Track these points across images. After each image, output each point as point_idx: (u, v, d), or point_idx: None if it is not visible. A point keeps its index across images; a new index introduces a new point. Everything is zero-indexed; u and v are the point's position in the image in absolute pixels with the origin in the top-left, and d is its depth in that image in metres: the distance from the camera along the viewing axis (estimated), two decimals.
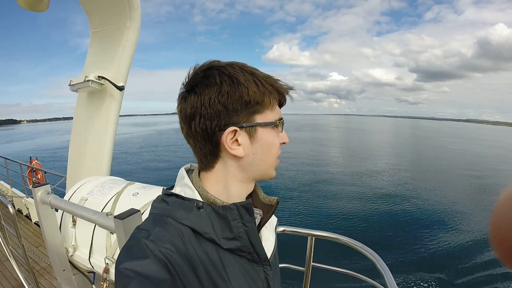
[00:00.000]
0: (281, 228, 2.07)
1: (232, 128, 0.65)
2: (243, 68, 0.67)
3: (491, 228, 0.24)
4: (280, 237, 1.99)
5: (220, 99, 0.63)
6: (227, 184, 0.70)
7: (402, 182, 19.88)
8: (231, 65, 0.66)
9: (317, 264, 2.11)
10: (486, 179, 22.10)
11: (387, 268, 1.69)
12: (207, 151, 0.68)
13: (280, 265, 2.13)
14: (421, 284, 8.24)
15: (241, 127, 0.66)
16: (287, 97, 0.75)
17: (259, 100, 0.66)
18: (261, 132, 0.68)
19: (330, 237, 2.00)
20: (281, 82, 0.71)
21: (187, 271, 0.57)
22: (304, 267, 2.13)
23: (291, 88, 0.73)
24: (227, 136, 0.65)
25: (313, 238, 2.05)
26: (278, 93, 0.70)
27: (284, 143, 0.75)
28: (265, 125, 0.68)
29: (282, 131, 0.74)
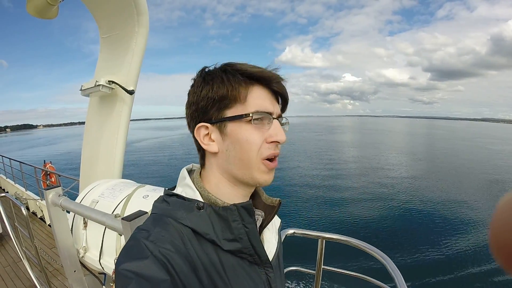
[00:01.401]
0: (291, 231, 2.06)
1: (200, 124, 0.68)
2: (221, 66, 0.68)
3: (490, 234, 0.24)
4: (290, 239, 1.99)
5: (192, 99, 0.69)
6: (217, 184, 0.71)
7: (416, 184, 19.54)
8: (214, 67, 0.69)
9: (328, 267, 2.09)
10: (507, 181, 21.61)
11: (399, 272, 1.66)
12: (197, 148, 0.73)
13: (290, 268, 2.13)
14: None
15: (212, 123, 0.67)
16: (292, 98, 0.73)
17: (223, 94, 0.65)
18: (231, 127, 0.66)
19: (341, 240, 1.97)
20: (260, 70, 0.67)
21: (187, 271, 0.57)
22: (314, 270, 2.11)
23: (274, 75, 0.69)
24: (199, 132, 0.69)
25: (324, 241, 2.03)
26: (250, 83, 0.67)
27: (277, 142, 0.69)
28: (232, 119, 0.66)
29: (268, 126, 0.68)
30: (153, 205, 0.71)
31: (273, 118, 0.69)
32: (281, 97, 0.72)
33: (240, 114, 0.65)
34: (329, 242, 2.03)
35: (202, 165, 0.74)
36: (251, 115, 0.65)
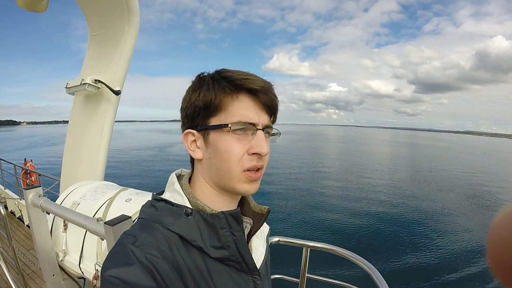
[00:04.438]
0: (276, 239, 2.05)
1: (187, 130, 0.70)
2: (212, 73, 0.68)
3: (489, 252, 0.23)
4: (274, 247, 1.98)
5: (183, 106, 0.70)
6: (204, 190, 0.71)
7: (401, 193, 19.83)
8: (207, 73, 0.69)
9: (312, 276, 2.08)
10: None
11: (384, 280, 1.67)
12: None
13: (274, 276, 2.12)
14: None
15: (197, 130, 0.69)
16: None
17: (208, 102, 0.64)
18: (213, 136, 0.66)
19: (326, 248, 1.97)
20: (247, 79, 0.64)
21: (173, 278, 0.56)
22: (298, 278, 2.10)
23: (262, 85, 0.66)
24: (187, 138, 0.70)
25: (308, 249, 2.03)
26: (233, 91, 0.64)
27: (258, 154, 0.66)
28: (214, 128, 0.65)
29: (251, 137, 0.66)
30: (141, 209, 0.70)
31: (258, 129, 0.66)
32: (269, 107, 0.70)
33: (220, 123, 0.65)
34: (313, 250, 2.03)
35: (192, 169, 0.75)
36: (230, 125, 0.64)
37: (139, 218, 0.68)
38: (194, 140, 0.69)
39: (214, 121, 0.65)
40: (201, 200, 0.68)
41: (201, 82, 0.67)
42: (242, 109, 0.65)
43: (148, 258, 0.54)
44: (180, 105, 0.71)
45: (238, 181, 0.67)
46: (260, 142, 0.66)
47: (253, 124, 0.66)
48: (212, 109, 0.65)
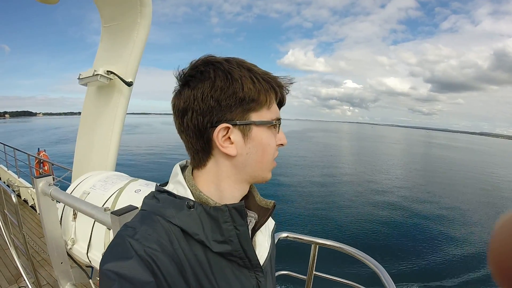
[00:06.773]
0: (284, 234, 2.04)
1: (224, 124, 0.62)
2: (240, 64, 0.64)
3: (491, 259, 0.23)
4: (282, 243, 1.96)
5: (213, 94, 0.61)
6: (219, 185, 0.67)
7: (413, 194, 19.67)
8: (228, 60, 0.64)
9: (320, 273, 2.07)
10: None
11: (392, 281, 1.64)
12: (199, 147, 0.65)
13: (281, 272, 2.10)
14: None
15: (234, 125, 0.63)
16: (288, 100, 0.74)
17: (254, 97, 0.63)
18: (256, 131, 0.65)
19: (334, 246, 1.95)
20: (280, 79, 0.68)
21: (173, 272, 0.54)
22: (306, 275, 2.08)
23: (291, 83, 0.71)
24: (218, 133, 0.62)
25: (317, 246, 2.01)
26: (276, 90, 0.67)
27: (282, 144, 0.72)
28: (260, 124, 0.65)
29: (278, 131, 0.71)
30: (143, 201, 0.68)
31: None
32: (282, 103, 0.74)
33: (268, 120, 0.66)
34: (322, 247, 2.01)
35: (202, 165, 0.68)
36: (277, 122, 0.68)
37: (141, 209, 0.67)
38: (225, 135, 0.63)
39: (255, 116, 0.65)
40: (204, 193, 0.65)
41: (238, 73, 0.61)
42: (275, 106, 0.70)
43: (147, 252, 0.53)
44: (198, 91, 0.62)
45: (268, 170, 0.71)
46: (283, 135, 0.73)
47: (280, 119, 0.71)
48: (255, 104, 0.64)
